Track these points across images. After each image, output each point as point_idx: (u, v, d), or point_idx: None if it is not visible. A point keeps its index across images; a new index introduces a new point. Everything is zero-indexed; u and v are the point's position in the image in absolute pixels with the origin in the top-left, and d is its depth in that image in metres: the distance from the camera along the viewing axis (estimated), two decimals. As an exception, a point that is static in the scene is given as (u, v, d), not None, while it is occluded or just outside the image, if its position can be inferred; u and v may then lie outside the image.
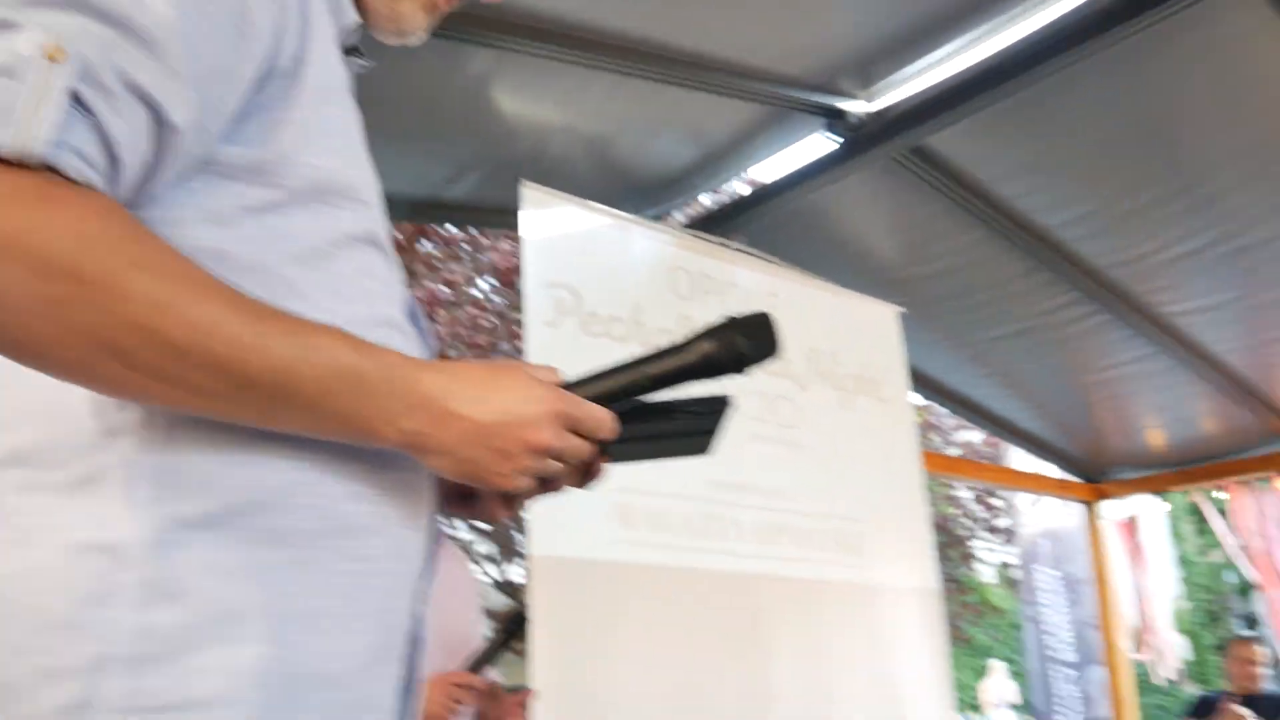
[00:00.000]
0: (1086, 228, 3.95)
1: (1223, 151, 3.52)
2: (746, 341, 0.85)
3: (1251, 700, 4.62)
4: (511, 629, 2.33)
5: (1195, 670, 14.79)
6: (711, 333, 0.85)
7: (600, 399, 0.85)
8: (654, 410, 0.88)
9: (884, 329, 4.21)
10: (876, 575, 3.77)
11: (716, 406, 0.89)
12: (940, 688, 3.83)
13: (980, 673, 12.63)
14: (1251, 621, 15.95)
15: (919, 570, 3.93)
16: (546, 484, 0.88)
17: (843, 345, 4.00)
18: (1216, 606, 18.25)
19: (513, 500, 0.91)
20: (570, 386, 0.85)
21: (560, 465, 0.84)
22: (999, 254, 4.08)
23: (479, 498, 0.92)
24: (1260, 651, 4.86)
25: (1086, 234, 3.98)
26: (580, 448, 0.84)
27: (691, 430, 0.90)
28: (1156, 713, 13.86)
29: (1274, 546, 5.45)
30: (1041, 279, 4.21)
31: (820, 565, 3.65)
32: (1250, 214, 3.76)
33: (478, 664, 2.23)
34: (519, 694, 2.35)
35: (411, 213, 4.01)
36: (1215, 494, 5.69)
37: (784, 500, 3.62)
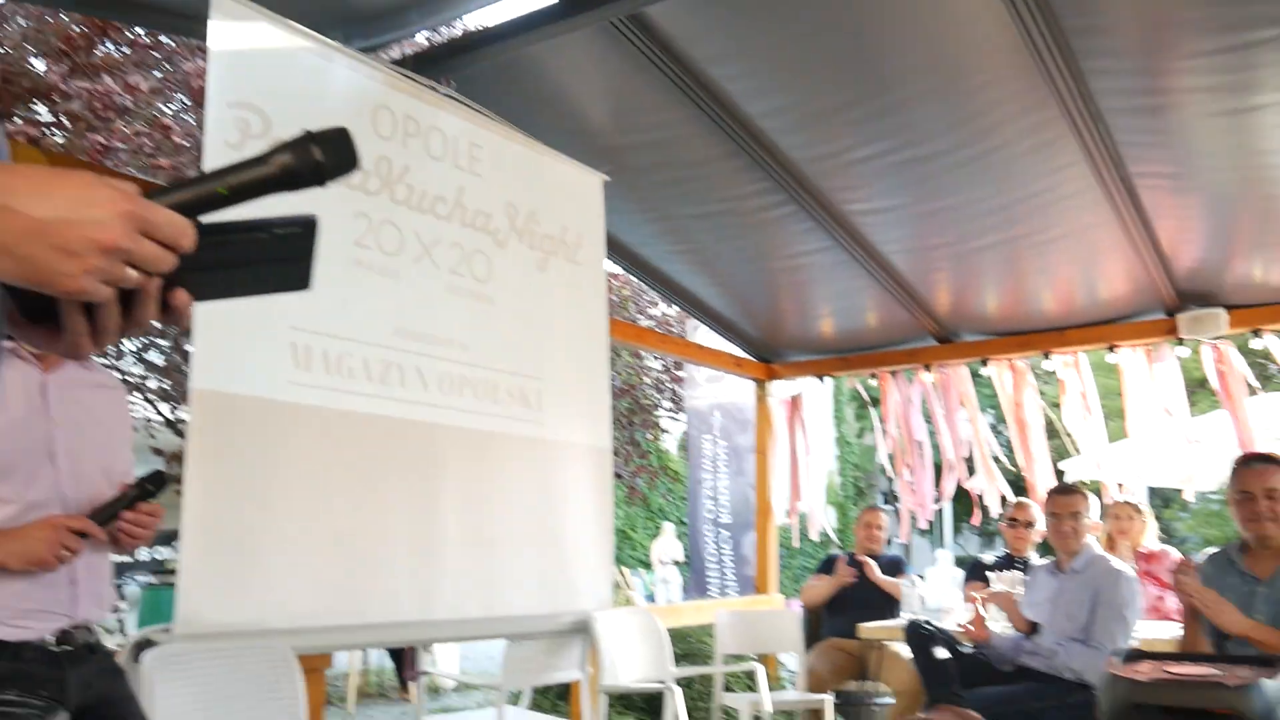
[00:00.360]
0: (784, 120, 4.12)
1: (910, 64, 3.75)
2: (324, 154, 0.84)
3: (871, 559, 5.24)
4: (145, 488, 2.19)
5: (841, 536, 16.58)
6: (289, 145, 0.83)
7: (177, 209, 0.80)
8: (237, 231, 0.85)
9: (587, 194, 4.26)
10: (554, 431, 3.89)
11: (303, 226, 0.86)
12: (603, 540, 4.06)
13: (656, 533, 13.51)
14: (891, 498, 17.99)
15: (595, 429, 4.09)
16: (130, 312, 0.81)
17: (544, 206, 4.01)
18: (864, 483, 20.35)
19: (98, 332, 0.83)
20: (146, 196, 0.79)
21: (135, 274, 0.78)
22: (704, 134, 4.18)
23: (59, 323, 0.83)
24: (882, 518, 5.49)
25: (784, 126, 4.16)
26: (156, 254, 0.78)
27: (281, 255, 0.87)
28: (801, 572, 15.49)
29: (911, 431, 6.12)
30: (740, 164, 4.37)
31: (500, 419, 3.72)
32: (927, 128, 4.05)
33: (102, 513, 2.09)
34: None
35: (79, 2, 3.55)
36: (869, 381, 6.29)
37: (471, 353, 3.64)
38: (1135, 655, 2.42)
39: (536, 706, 4.65)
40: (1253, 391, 5.27)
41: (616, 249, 5.21)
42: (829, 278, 5.34)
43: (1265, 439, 4.85)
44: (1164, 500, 18.50)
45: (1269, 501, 3.03)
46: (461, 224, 3.70)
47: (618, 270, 6.51)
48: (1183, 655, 2.63)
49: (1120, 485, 5.60)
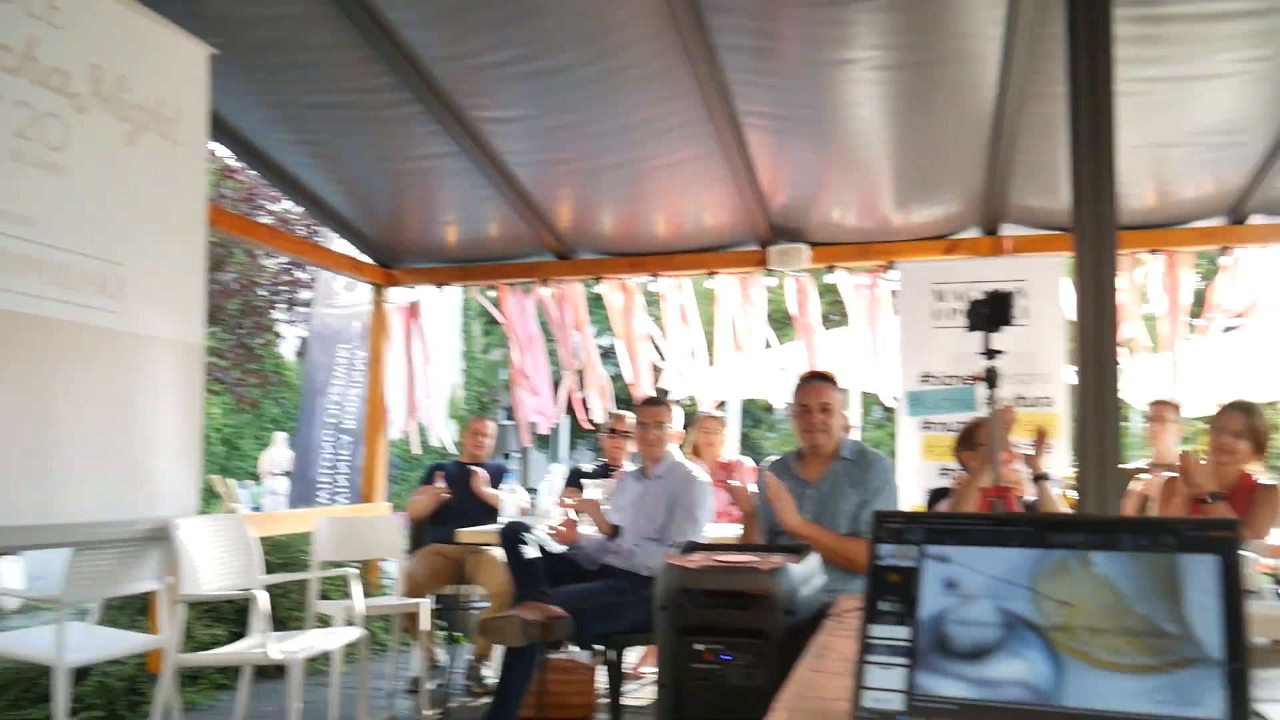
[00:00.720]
0: (413, 13, 3.97)
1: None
2: None
3: (478, 465, 5.34)
4: None
5: (461, 449, 16.77)
6: None
7: None
8: None
9: (189, 67, 3.87)
10: (137, 324, 3.55)
11: None
12: (190, 443, 3.79)
13: (268, 443, 12.87)
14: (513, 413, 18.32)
15: (185, 324, 3.78)
16: None
17: (137, 73, 3.60)
18: (488, 399, 20.62)
19: None
20: None
21: None
22: (326, 17, 3.94)
23: None
24: (488, 426, 5.58)
25: (413, 20, 4.01)
26: None
27: None
28: (420, 483, 15.53)
29: (529, 344, 6.23)
30: (364, 54, 4.17)
31: (72, 306, 3.33)
32: (555, 39, 4.07)
33: None
34: None
35: None
36: (489, 292, 6.32)
37: (36, 230, 3.21)
38: (691, 547, 2.66)
39: (111, 621, 4.31)
40: (826, 324, 5.89)
41: (225, 132, 4.82)
42: (453, 184, 5.28)
43: (830, 364, 5.43)
44: (754, 419, 20.40)
45: (822, 415, 3.42)
46: (32, 81, 3.23)
47: (237, 162, 6.03)
48: (731, 546, 2.92)
49: (709, 400, 6.07)
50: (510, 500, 4.60)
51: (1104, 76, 2.60)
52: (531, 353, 6.24)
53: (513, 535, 3.68)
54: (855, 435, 6.10)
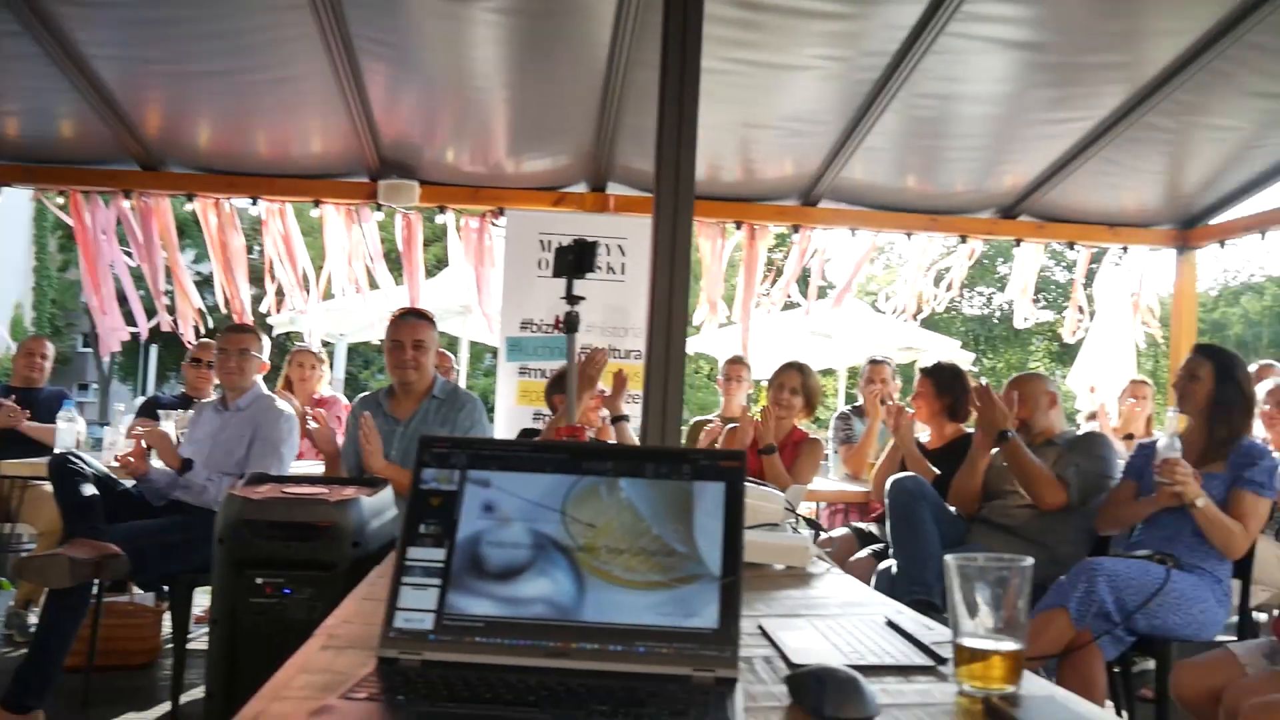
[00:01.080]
0: None
1: None
2: None
3: (33, 390, 4.77)
4: None
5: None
6: None
7: None
8: None
9: None
10: None
11: None
12: None
13: None
14: (91, 339, 16.60)
15: None
16: None
17: None
18: (63, 322, 18.59)
19: None
20: None
21: None
22: None
23: None
24: (48, 348, 4.98)
25: None
26: None
27: None
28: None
29: (99, 258, 5.55)
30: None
31: None
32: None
33: None
34: None
35: None
36: (57, 198, 5.60)
37: None
38: (258, 478, 2.54)
39: None
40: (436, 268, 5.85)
41: None
42: (14, 70, 4.61)
43: (436, 306, 5.40)
44: (365, 360, 19.97)
45: (415, 352, 3.40)
46: None
47: None
48: (302, 478, 2.83)
49: (314, 336, 5.83)
50: (67, 430, 4.14)
51: (693, 50, 2.76)
52: (101, 268, 5.57)
53: (62, 467, 3.32)
54: (462, 382, 6.16)
